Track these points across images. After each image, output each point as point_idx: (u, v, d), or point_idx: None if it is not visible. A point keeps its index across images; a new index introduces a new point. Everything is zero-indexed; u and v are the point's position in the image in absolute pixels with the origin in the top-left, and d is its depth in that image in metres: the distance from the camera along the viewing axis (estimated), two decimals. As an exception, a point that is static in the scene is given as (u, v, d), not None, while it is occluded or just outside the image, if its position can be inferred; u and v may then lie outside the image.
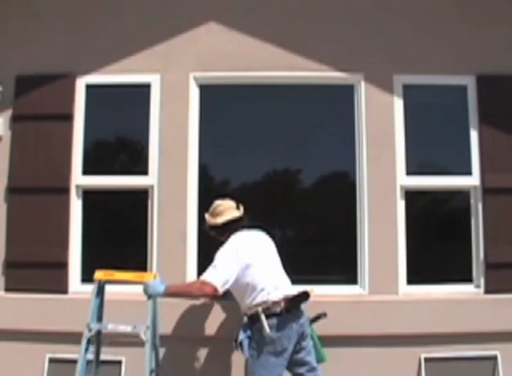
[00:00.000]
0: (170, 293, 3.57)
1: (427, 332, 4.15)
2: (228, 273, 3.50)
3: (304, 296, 3.56)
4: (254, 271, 3.56)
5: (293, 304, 3.51)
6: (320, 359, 3.70)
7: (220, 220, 3.79)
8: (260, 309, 3.48)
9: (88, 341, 3.59)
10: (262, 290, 3.53)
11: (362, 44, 4.47)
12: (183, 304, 4.18)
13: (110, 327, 3.63)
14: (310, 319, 3.73)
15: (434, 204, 4.67)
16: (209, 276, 3.49)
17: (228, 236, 3.75)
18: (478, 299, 4.29)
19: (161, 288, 3.54)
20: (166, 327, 4.03)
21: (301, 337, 3.55)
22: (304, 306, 3.61)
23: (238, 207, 3.88)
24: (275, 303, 3.49)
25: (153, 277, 3.64)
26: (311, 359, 3.61)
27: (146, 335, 3.53)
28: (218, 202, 3.88)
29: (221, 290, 3.46)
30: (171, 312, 4.12)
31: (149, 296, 3.56)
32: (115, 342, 3.94)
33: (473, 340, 4.15)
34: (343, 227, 4.47)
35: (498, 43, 4.46)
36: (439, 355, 4.16)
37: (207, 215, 3.89)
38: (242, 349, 3.53)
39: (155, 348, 3.73)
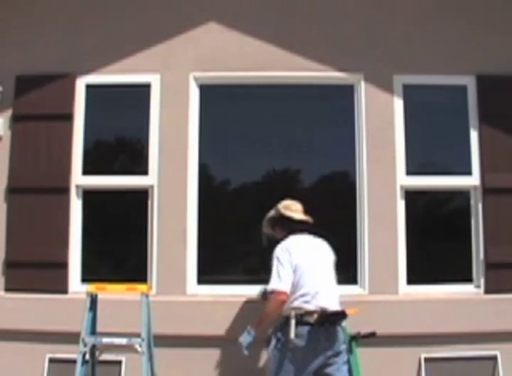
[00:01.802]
0: (258, 331, 3.54)
1: (427, 332, 4.15)
2: (287, 274, 3.50)
3: (341, 315, 3.49)
4: (299, 276, 3.51)
5: (327, 319, 3.43)
6: None
7: (297, 216, 3.74)
8: (293, 313, 3.43)
9: (84, 356, 3.60)
10: (302, 296, 3.48)
11: (362, 44, 4.47)
12: (180, 304, 4.19)
13: (105, 340, 3.64)
14: (360, 336, 3.71)
15: (434, 204, 4.67)
16: (276, 284, 3.49)
17: (286, 236, 3.70)
18: (478, 299, 4.28)
19: (250, 337, 3.52)
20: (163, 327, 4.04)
21: (333, 353, 3.45)
22: (344, 324, 3.58)
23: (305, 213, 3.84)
24: (309, 312, 3.43)
25: (146, 288, 3.70)
26: (340, 375, 3.49)
27: (141, 347, 3.56)
28: (292, 201, 3.83)
29: (289, 292, 3.47)
30: (165, 312, 4.12)
31: (247, 348, 3.53)
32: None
33: (473, 340, 4.15)
34: (343, 227, 4.47)
35: (498, 43, 4.46)
36: (439, 355, 4.16)
37: (281, 208, 3.80)
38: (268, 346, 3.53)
39: (151, 358, 3.74)
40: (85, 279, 4.36)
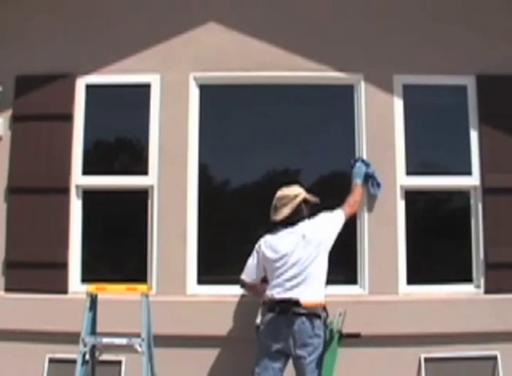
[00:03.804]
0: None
1: (427, 332, 4.15)
2: (251, 265, 3.84)
3: (290, 304, 3.55)
4: (272, 268, 3.71)
5: (284, 307, 3.56)
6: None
7: (277, 217, 3.79)
8: (262, 301, 3.68)
9: (84, 356, 3.60)
10: (274, 286, 3.67)
11: (362, 44, 4.47)
12: (180, 304, 4.19)
13: (105, 340, 3.64)
14: (344, 335, 3.72)
15: (434, 204, 4.67)
16: (242, 274, 3.89)
17: (304, 218, 3.83)
18: (478, 299, 4.28)
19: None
20: (163, 327, 4.04)
21: (299, 343, 3.54)
22: (330, 320, 3.66)
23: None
24: (272, 301, 3.61)
25: (146, 288, 3.71)
26: (306, 368, 3.55)
27: (141, 347, 3.57)
28: (283, 193, 3.85)
29: (248, 280, 3.84)
30: (165, 312, 4.12)
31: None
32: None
33: (473, 340, 4.15)
34: (343, 227, 4.46)
35: (498, 43, 4.46)
36: (439, 355, 4.16)
37: (307, 195, 3.86)
38: None
39: (151, 358, 3.75)
40: (85, 279, 4.36)
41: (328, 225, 3.85)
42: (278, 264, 3.69)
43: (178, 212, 4.35)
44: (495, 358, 4.17)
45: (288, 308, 3.56)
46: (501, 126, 4.37)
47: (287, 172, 4.62)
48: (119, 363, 4.16)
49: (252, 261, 3.84)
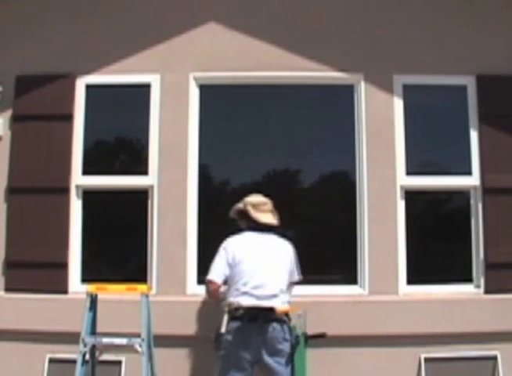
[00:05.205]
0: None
1: (427, 332, 4.14)
2: (219, 266, 3.64)
3: (267, 311, 3.47)
4: (236, 271, 3.58)
5: (255, 315, 3.44)
6: None
7: (263, 219, 3.73)
8: (226, 309, 3.56)
9: (84, 356, 3.60)
10: (237, 290, 3.55)
11: (362, 44, 4.47)
12: (180, 304, 4.19)
13: (105, 340, 3.64)
14: (308, 336, 3.73)
15: (434, 204, 4.67)
16: (208, 275, 3.65)
17: (244, 230, 3.77)
18: (478, 299, 4.28)
19: None
20: (163, 327, 4.04)
21: (271, 351, 3.45)
22: (293, 323, 3.61)
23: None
24: (239, 308, 3.48)
25: (146, 288, 3.72)
26: (277, 360, 3.46)
27: (141, 347, 3.57)
28: (261, 199, 3.80)
29: (219, 281, 3.62)
30: (165, 312, 4.12)
31: None
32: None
33: (473, 340, 4.15)
34: (343, 227, 4.47)
35: (498, 43, 4.46)
36: (439, 355, 4.16)
37: (249, 206, 3.77)
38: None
39: (151, 358, 3.75)
40: (85, 279, 4.36)
41: (290, 264, 3.73)
42: (246, 267, 3.57)
43: (178, 212, 4.35)
44: (495, 358, 4.17)
45: (259, 315, 3.45)
46: (501, 126, 4.38)
47: (287, 172, 4.62)
48: (119, 363, 4.16)
49: (221, 261, 3.66)
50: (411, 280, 4.34)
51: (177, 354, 4.17)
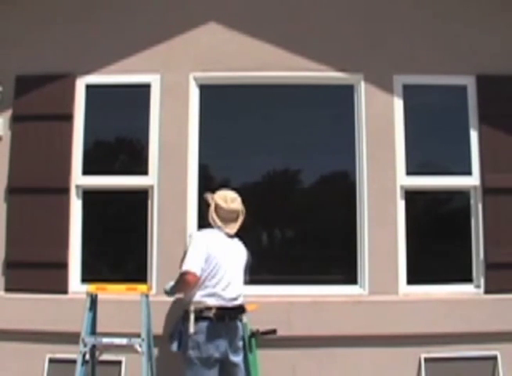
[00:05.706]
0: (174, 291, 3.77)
1: (427, 332, 4.15)
2: (199, 259, 3.58)
3: (239, 310, 3.60)
4: (208, 268, 3.57)
5: (226, 314, 3.52)
6: None
7: (227, 229, 3.75)
8: (192, 308, 3.51)
9: (84, 356, 3.61)
10: (206, 288, 3.55)
11: (362, 44, 4.47)
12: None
13: (105, 340, 3.64)
14: (259, 333, 3.78)
15: (434, 204, 4.67)
16: (187, 266, 3.55)
17: (208, 226, 3.78)
18: (478, 299, 4.29)
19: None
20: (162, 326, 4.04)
21: (234, 349, 3.57)
22: (245, 321, 3.69)
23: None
24: (209, 307, 3.51)
25: (146, 288, 3.73)
26: (240, 371, 3.61)
27: (141, 347, 3.58)
28: (231, 201, 3.79)
29: (198, 273, 3.53)
30: (166, 312, 4.12)
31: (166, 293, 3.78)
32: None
33: (473, 340, 4.15)
34: (343, 227, 4.47)
35: (498, 43, 4.46)
36: (439, 355, 4.16)
37: (220, 205, 3.77)
38: (171, 344, 3.60)
39: (151, 358, 3.75)
40: (85, 279, 4.36)
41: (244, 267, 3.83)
42: (218, 265, 3.60)
43: (178, 212, 4.35)
44: (495, 358, 4.17)
45: (228, 314, 3.52)
46: (501, 126, 4.38)
47: (287, 172, 4.62)
48: (119, 363, 4.15)
49: (198, 253, 3.58)
50: (411, 280, 4.34)
51: (176, 354, 4.16)
